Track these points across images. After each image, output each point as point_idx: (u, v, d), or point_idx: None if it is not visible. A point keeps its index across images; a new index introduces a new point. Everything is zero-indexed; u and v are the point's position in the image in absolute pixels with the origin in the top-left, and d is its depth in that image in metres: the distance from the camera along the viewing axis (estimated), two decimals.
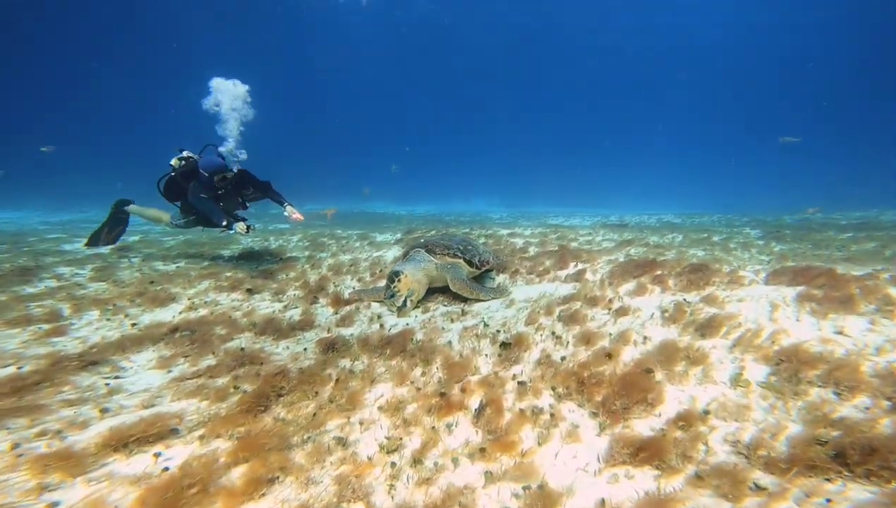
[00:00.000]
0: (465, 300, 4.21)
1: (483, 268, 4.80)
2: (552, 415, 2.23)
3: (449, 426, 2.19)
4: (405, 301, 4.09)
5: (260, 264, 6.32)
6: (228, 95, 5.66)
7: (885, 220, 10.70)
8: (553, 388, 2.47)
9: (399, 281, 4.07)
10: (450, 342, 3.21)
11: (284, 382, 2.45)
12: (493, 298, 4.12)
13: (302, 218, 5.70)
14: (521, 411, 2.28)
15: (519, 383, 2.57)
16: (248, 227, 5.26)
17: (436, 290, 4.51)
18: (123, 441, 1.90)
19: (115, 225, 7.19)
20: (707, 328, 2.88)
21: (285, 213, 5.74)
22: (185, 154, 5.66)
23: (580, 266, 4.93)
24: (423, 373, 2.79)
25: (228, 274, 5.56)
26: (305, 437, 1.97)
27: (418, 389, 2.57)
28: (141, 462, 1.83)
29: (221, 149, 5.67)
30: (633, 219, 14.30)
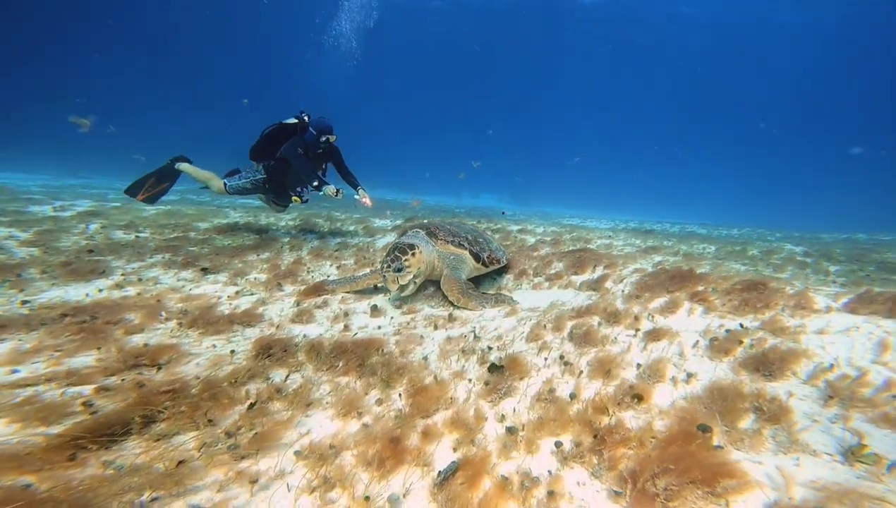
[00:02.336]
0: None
1: (490, 267, 4.02)
2: (551, 493, 1.46)
3: (393, 499, 1.43)
4: (412, 280, 3.38)
5: (235, 240, 5.63)
6: None
7: None
8: (557, 444, 1.70)
9: (413, 255, 3.36)
10: (426, 357, 2.45)
11: (171, 401, 1.71)
12: (487, 308, 3.33)
13: (371, 203, 5.80)
14: (506, 479, 1.52)
15: (507, 429, 1.81)
16: (337, 190, 5.43)
17: (429, 284, 3.75)
18: None
19: (163, 177, 6.24)
20: (775, 366, 2.06)
21: (356, 196, 5.87)
22: (303, 115, 5.82)
23: (599, 272, 4.12)
24: (380, 400, 2.04)
25: (193, 248, 4.88)
26: (142, 502, 1.23)
27: (366, 426, 1.82)
28: None
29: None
30: (654, 226, 13.33)
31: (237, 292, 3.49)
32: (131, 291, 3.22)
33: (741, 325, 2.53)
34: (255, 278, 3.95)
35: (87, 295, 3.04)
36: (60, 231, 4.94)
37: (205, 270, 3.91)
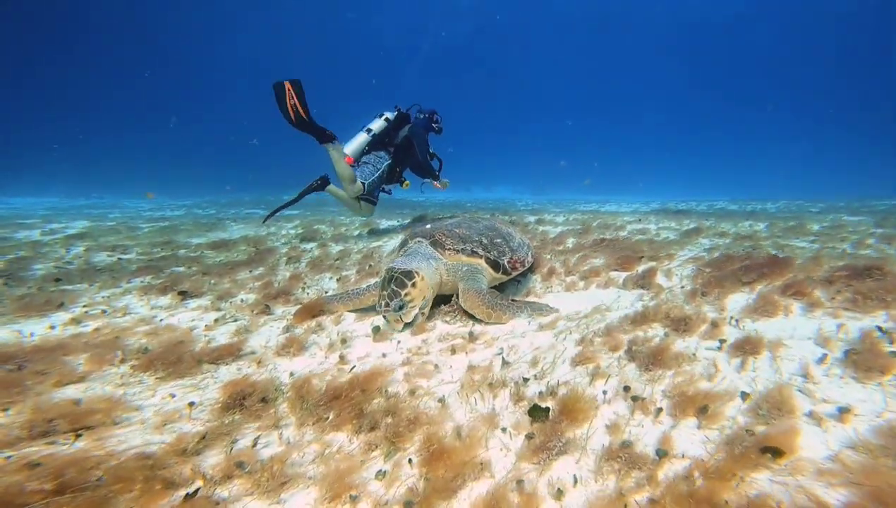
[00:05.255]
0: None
1: (514, 274, 3.32)
2: None
3: None
4: (418, 313, 2.77)
5: (228, 255, 5.13)
6: None
7: None
8: None
9: (413, 285, 2.71)
10: (443, 398, 1.85)
11: (54, 494, 1.15)
12: (525, 318, 2.71)
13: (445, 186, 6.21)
14: None
15: None
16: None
17: (442, 299, 3.12)
18: None
19: (318, 132, 5.40)
20: None
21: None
22: (397, 107, 6.09)
23: (644, 264, 3.45)
24: (383, 474, 1.45)
25: (179, 268, 4.39)
26: None
27: None
28: None
29: None
30: (679, 206, 12.47)
31: (217, 320, 2.95)
32: (90, 326, 2.71)
33: (879, 328, 1.85)
34: (243, 300, 3.41)
35: (31, 334, 2.54)
36: (36, 257, 4.51)
37: (183, 294, 3.39)
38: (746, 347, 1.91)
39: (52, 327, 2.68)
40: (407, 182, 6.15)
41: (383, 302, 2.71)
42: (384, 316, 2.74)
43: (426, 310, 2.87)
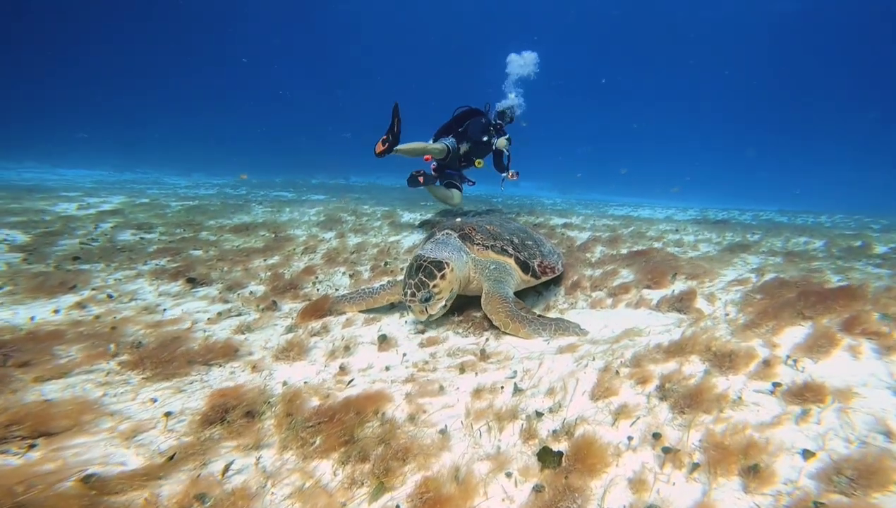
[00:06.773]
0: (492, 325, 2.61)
1: (542, 279, 3.11)
2: None
3: None
4: (443, 306, 2.67)
5: (248, 240, 5.09)
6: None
7: None
8: None
9: (443, 277, 2.59)
10: (444, 430, 1.64)
11: None
12: (545, 338, 2.48)
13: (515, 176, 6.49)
14: None
15: None
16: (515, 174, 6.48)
17: (455, 308, 2.89)
18: None
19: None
20: None
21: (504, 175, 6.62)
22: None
23: (682, 284, 3.12)
24: None
25: (197, 251, 4.36)
26: None
27: None
28: None
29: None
30: (719, 215, 11.71)
31: (221, 313, 2.85)
32: (94, 312, 2.66)
33: None
34: (252, 292, 3.31)
35: (31, 318, 2.50)
36: (65, 232, 4.58)
37: (191, 281, 3.32)
38: (807, 394, 1.61)
39: (57, 311, 2.65)
40: (480, 161, 6.46)
41: (409, 292, 2.59)
42: (408, 305, 2.62)
43: (449, 303, 2.74)
